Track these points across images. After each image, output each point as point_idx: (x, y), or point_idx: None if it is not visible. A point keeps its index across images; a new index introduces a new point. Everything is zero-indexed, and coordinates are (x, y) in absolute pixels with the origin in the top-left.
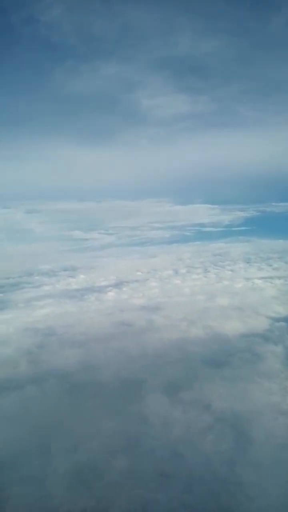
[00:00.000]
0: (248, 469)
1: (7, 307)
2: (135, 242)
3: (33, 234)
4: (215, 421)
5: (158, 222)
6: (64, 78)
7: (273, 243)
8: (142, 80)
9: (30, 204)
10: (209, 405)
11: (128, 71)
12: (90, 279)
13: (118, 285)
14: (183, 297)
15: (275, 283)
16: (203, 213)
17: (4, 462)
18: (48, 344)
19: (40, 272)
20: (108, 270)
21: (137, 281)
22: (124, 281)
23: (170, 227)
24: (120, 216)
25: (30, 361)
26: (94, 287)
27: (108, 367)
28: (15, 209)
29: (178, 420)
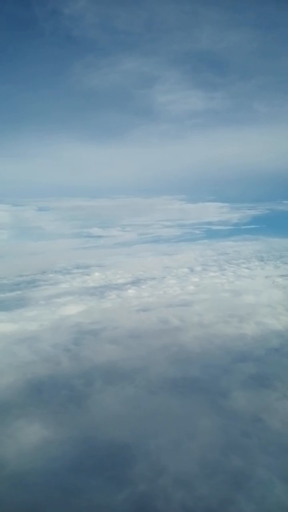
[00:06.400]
0: None
1: (29, 304)
2: (146, 240)
3: (45, 232)
4: None
5: (169, 220)
6: (82, 73)
7: (283, 242)
8: (160, 75)
9: (42, 202)
10: None
11: (147, 65)
12: (105, 277)
13: (135, 282)
14: (207, 294)
15: None
16: (213, 211)
17: (111, 459)
18: (84, 341)
19: (54, 269)
20: (122, 268)
21: (154, 278)
22: (141, 278)
23: (180, 225)
24: (133, 213)
25: (72, 358)
26: (111, 285)
27: (167, 364)
28: (27, 206)
29: None
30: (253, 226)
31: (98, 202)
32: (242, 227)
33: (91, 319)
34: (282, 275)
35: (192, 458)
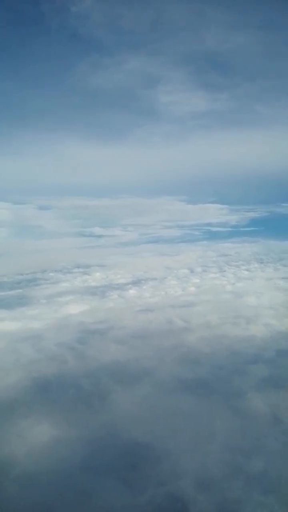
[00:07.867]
0: None
1: (30, 302)
2: (147, 240)
3: (46, 230)
4: None
5: (169, 221)
6: (86, 72)
7: (282, 244)
8: (164, 76)
9: (43, 200)
10: None
11: (151, 65)
12: (106, 277)
13: (136, 283)
14: (208, 295)
15: None
16: (213, 213)
17: (125, 460)
18: (89, 340)
19: (54, 268)
20: (123, 268)
21: (155, 279)
22: (141, 279)
23: (180, 226)
24: (135, 213)
25: (77, 357)
26: (112, 285)
27: (177, 365)
28: (28, 205)
29: None
30: (252, 228)
31: (100, 202)
32: (241, 229)
33: (94, 318)
34: (283, 278)
35: (213, 460)
